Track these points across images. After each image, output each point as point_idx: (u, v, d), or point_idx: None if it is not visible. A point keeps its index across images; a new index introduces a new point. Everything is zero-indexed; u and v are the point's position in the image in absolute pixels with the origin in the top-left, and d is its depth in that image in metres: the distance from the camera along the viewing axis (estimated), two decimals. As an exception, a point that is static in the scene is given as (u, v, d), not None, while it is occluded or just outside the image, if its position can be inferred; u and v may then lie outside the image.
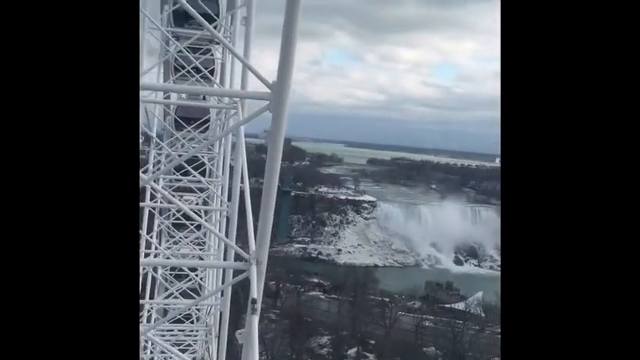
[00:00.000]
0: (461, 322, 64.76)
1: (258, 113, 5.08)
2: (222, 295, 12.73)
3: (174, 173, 14.73)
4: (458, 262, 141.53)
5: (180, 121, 15.20)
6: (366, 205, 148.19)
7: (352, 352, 62.24)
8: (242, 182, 7.14)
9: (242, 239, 7.08)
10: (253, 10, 9.31)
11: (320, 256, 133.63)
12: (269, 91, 4.81)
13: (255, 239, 5.95)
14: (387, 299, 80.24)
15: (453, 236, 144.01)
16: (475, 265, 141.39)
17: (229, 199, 10.59)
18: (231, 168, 10.05)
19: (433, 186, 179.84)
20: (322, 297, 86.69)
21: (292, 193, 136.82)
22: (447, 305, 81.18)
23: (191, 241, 15.81)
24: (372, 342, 65.89)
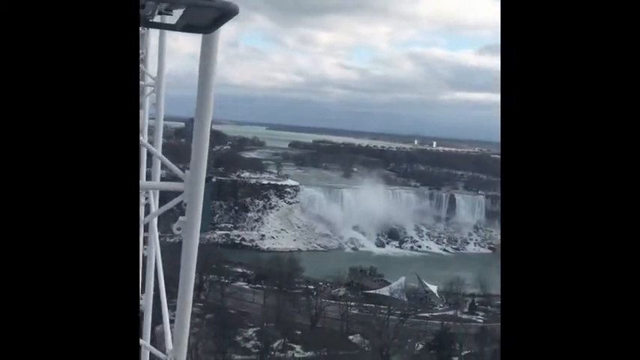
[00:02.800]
0: (385, 308, 65.32)
1: (172, 205, 4.82)
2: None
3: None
4: (380, 244, 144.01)
5: None
6: (289, 189, 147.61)
7: (278, 343, 61.53)
8: (156, 274, 6.02)
9: (159, 337, 5.93)
10: (162, 98, 9.02)
11: (243, 242, 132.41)
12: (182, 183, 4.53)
13: (172, 336, 5.50)
14: (312, 287, 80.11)
15: (374, 219, 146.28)
16: (396, 247, 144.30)
17: (143, 291, 9.08)
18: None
19: (355, 169, 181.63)
20: (247, 287, 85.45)
21: (213, 179, 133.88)
22: (371, 291, 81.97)
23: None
24: (299, 333, 65.46)
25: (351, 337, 65.55)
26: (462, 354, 56.19)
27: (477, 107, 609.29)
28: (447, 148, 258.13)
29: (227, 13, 3.28)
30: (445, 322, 66.81)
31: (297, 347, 63.17)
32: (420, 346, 57.36)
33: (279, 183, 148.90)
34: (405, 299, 77.64)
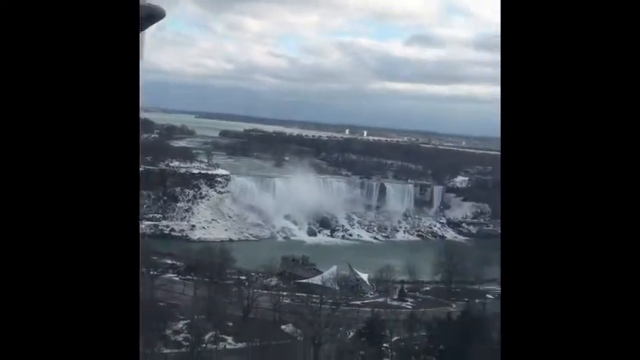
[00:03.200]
0: (317, 297, 65.55)
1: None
2: None
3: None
4: (311, 233, 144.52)
5: None
6: (219, 179, 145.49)
7: (210, 336, 60.61)
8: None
9: None
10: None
11: (173, 233, 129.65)
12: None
13: None
14: (244, 278, 79.35)
15: (306, 208, 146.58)
16: (328, 236, 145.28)
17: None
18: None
19: (286, 158, 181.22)
20: (177, 279, 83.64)
21: (141, 169, 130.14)
22: (303, 281, 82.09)
23: None
24: (230, 324, 64.71)
25: (283, 326, 65.40)
26: (392, 340, 57.20)
27: (405, 97, 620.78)
28: (376, 138, 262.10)
29: (154, 16, 3.16)
30: (375, 310, 67.78)
31: (229, 339, 62.41)
32: (352, 333, 57.94)
33: (209, 172, 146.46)
34: (337, 288, 78.24)
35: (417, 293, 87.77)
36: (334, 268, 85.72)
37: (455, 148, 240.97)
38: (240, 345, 61.11)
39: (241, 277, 79.50)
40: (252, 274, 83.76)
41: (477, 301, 79.46)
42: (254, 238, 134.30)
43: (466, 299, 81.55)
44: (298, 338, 60.11)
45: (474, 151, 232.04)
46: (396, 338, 56.67)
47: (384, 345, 54.35)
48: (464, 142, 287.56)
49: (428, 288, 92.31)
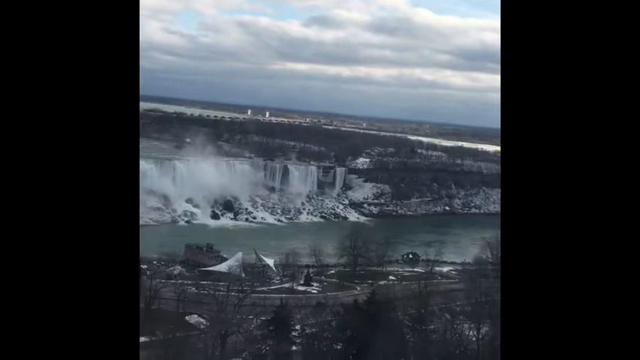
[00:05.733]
0: (223, 285, 64.37)
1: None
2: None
3: None
4: (215, 216, 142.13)
5: None
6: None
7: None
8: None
9: None
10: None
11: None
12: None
13: None
14: (146, 267, 76.50)
15: (208, 191, 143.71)
16: (231, 219, 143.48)
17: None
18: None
19: (187, 140, 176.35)
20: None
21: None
22: (208, 268, 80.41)
23: None
24: (132, 317, 62.29)
25: (187, 317, 63.79)
26: (300, 327, 57.33)
27: (306, 77, 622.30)
28: (279, 119, 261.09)
29: None
30: (282, 296, 67.64)
31: (131, 332, 60.17)
32: (259, 321, 57.43)
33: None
34: (243, 275, 77.34)
35: (323, 277, 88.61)
36: (239, 254, 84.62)
37: (356, 130, 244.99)
38: (143, 339, 58.90)
39: (143, 267, 76.53)
40: (155, 262, 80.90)
41: (380, 283, 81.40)
42: (154, 223, 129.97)
43: (370, 281, 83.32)
44: (204, 329, 58.76)
45: (376, 132, 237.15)
46: (303, 325, 56.79)
47: (292, 333, 54.26)
48: (364, 124, 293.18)
49: (333, 271, 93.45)
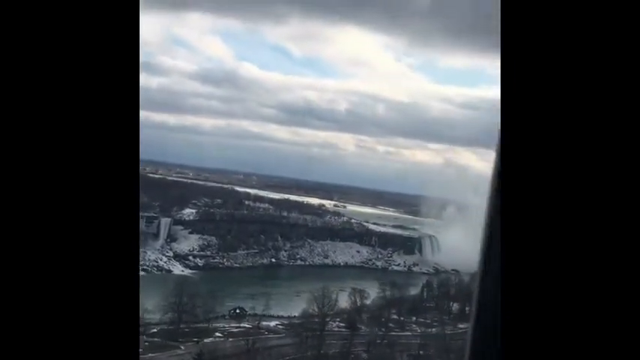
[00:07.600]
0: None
1: None
2: None
3: None
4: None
5: None
6: None
7: None
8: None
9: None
10: None
11: None
12: None
13: None
14: None
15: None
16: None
17: None
18: None
19: None
20: None
21: None
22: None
23: None
24: None
25: None
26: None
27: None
28: None
29: None
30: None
31: None
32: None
33: None
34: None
35: (144, 337, 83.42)
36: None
37: (183, 179, 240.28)
38: None
39: None
40: None
41: (207, 340, 78.63)
42: None
43: (195, 339, 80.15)
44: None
45: (203, 183, 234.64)
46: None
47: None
48: (191, 174, 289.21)
49: (155, 330, 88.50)
